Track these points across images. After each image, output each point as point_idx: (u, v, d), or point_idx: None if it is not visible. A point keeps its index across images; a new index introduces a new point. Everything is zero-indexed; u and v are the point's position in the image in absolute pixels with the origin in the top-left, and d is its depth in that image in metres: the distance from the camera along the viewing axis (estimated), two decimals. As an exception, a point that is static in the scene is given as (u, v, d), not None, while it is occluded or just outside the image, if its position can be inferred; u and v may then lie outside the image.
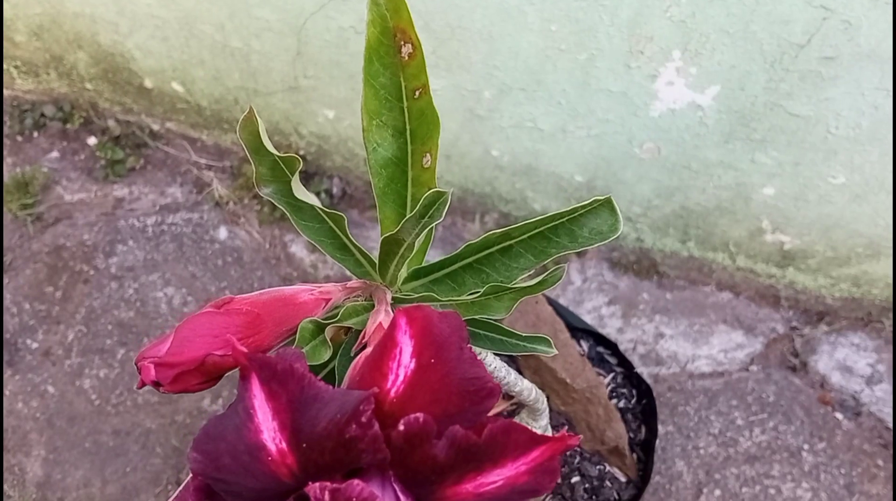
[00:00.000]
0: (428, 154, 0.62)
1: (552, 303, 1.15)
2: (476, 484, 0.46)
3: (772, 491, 1.48)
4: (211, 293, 1.60)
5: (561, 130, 1.44)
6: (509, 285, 0.57)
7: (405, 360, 0.48)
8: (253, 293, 0.56)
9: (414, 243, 0.57)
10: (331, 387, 0.47)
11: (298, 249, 1.69)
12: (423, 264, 0.64)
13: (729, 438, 1.52)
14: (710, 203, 1.48)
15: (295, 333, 0.57)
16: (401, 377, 0.47)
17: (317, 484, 0.45)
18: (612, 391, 1.13)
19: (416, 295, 0.62)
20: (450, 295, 0.62)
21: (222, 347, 0.51)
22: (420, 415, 0.44)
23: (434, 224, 0.55)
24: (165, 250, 1.65)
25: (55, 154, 1.76)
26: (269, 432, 0.46)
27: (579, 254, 1.65)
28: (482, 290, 0.57)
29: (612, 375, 1.15)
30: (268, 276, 1.64)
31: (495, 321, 0.61)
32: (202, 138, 1.79)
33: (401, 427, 0.44)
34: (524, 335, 0.61)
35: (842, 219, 1.40)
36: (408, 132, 0.61)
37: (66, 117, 1.80)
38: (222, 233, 1.69)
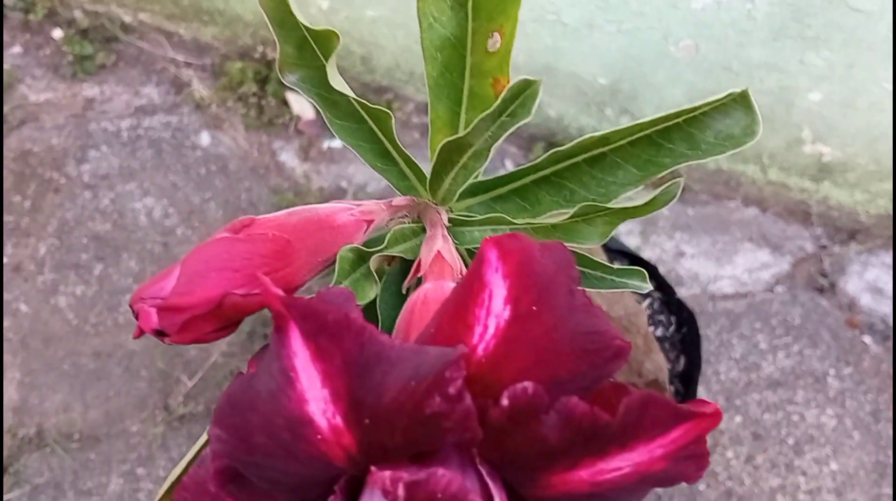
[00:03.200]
0: (496, 34, 0.48)
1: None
2: (593, 472, 0.34)
3: (795, 418, 1.40)
4: (194, 205, 1.47)
5: (587, 25, 1.29)
6: (607, 206, 0.45)
7: (497, 307, 0.35)
8: (279, 214, 0.43)
9: (487, 150, 0.44)
10: (397, 343, 0.34)
11: (289, 157, 1.55)
12: (484, 178, 0.51)
13: (751, 363, 1.44)
14: (746, 111, 1.35)
15: (331, 264, 0.44)
16: (491, 330, 0.35)
17: (386, 473, 0.33)
18: (648, 318, 1.03)
19: (479, 217, 0.49)
20: (522, 216, 0.49)
21: (245, 284, 0.38)
22: (529, 385, 0.33)
23: (518, 125, 0.42)
24: (143, 156, 1.49)
25: (17, 49, 1.58)
26: (317, 403, 0.34)
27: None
28: (572, 211, 0.45)
29: (649, 301, 1.04)
30: (256, 187, 1.50)
31: (582, 250, 0.48)
32: (179, 32, 1.62)
33: (504, 402, 0.32)
34: (616, 267, 0.49)
35: (891, 128, 1.28)
36: (469, 4, 0.47)
37: (28, 7, 1.61)
38: (204, 139, 1.54)
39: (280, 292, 0.34)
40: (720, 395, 1.41)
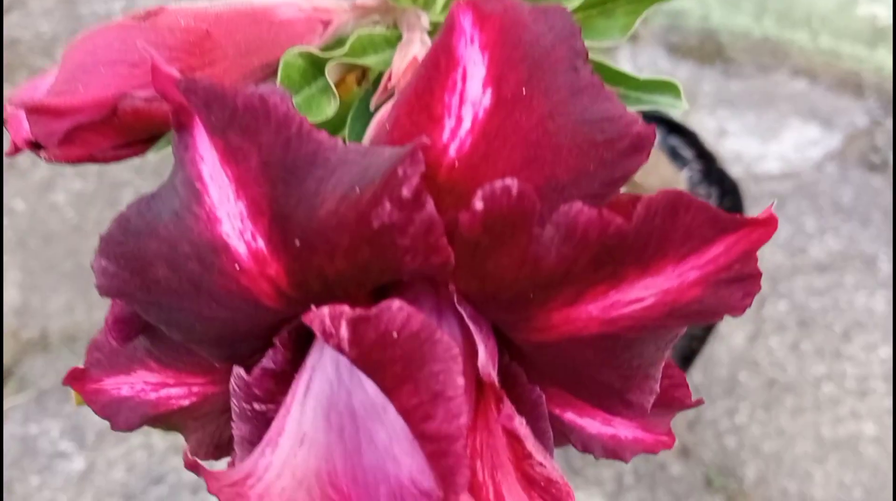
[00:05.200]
0: None
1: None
2: (606, 305, 0.26)
3: (843, 303, 1.31)
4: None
5: None
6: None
7: (473, 91, 0.26)
8: (200, 5, 0.33)
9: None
10: (339, 141, 0.25)
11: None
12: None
13: (797, 246, 1.34)
14: (794, -35, 1.21)
15: (274, 72, 0.35)
16: (466, 124, 0.26)
17: (324, 310, 0.24)
18: (688, 190, 0.93)
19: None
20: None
21: (149, 83, 0.29)
22: (511, 183, 0.23)
23: None
24: (140, 42, 1.40)
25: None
26: (232, 221, 0.25)
27: (632, 38, 1.41)
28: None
29: (687, 172, 0.94)
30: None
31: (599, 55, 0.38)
32: None
33: (477, 205, 0.23)
34: (642, 79, 0.39)
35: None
36: None
37: None
38: (206, 23, 1.43)
39: (174, 71, 0.25)
40: (765, 280, 1.30)
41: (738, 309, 0.25)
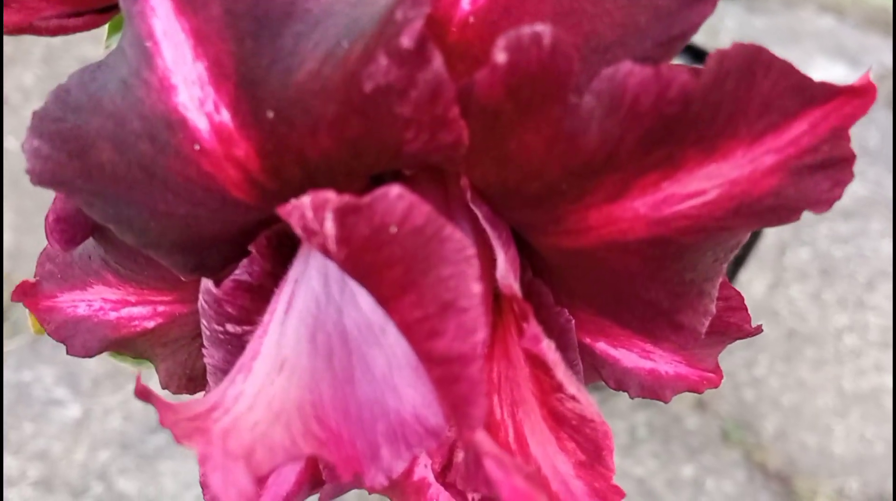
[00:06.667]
0: None
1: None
2: (657, 200, 0.20)
3: (867, 251, 1.26)
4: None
5: None
6: None
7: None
8: None
9: None
10: (324, -10, 0.20)
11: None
12: None
13: (821, 192, 1.28)
14: None
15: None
16: (484, -31, 0.21)
17: (305, 199, 0.19)
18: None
19: None
20: None
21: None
22: (543, 29, 0.18)
23: None
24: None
25: None
26: (190, 88, 0.20)
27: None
28: None
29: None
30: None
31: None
32: None
33: (498, 58, 0.18)
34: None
35: None
36: None
37: None
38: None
39: None
40: (785, 227, 1.26)
41: (824, 204, 0.20)
